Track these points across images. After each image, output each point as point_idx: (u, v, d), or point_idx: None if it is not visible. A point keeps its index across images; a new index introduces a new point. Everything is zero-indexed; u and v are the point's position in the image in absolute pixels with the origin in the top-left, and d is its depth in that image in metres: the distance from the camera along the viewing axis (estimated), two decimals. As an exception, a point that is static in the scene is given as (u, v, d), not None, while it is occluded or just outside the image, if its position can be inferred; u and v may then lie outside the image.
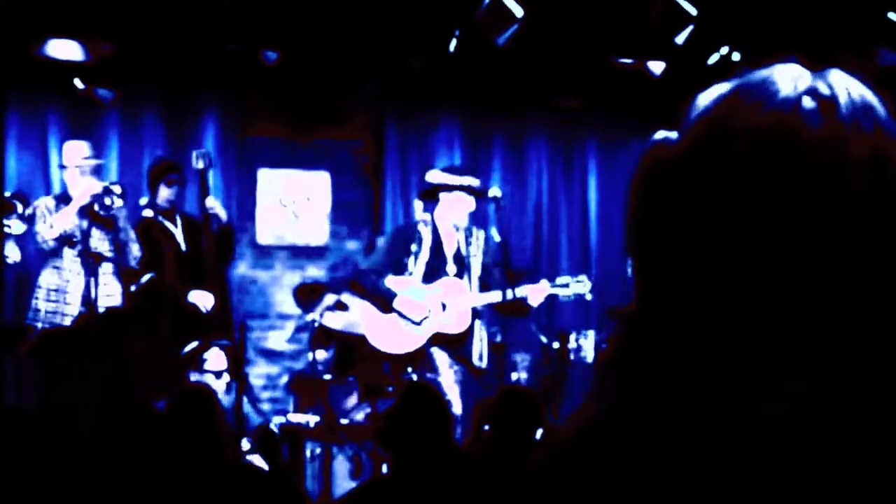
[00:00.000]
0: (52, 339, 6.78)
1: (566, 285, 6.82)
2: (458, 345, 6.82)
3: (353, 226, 9.01)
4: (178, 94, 8.45)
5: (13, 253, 7.02)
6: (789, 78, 0.95)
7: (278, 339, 8.78)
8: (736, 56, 7.21)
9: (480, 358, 6.85)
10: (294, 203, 8.83)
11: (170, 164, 7.61)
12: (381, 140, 9.02)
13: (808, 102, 0.92)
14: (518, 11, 6.52)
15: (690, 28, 6.65)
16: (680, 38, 6.68)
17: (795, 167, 0.90)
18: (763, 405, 0.87)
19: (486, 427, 5.96)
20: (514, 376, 7.68)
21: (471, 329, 6.84)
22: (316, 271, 8.87)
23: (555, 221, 9.29)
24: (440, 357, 6.79)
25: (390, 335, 6.85)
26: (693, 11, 6.61)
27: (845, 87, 0.94)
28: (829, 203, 0.90)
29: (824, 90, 0.93)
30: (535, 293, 6.74)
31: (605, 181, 9.29)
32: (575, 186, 9.37)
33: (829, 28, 6.69)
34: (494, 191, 7.25)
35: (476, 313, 6.87)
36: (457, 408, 6.53)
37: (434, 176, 7.06)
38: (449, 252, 6.90)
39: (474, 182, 6.98)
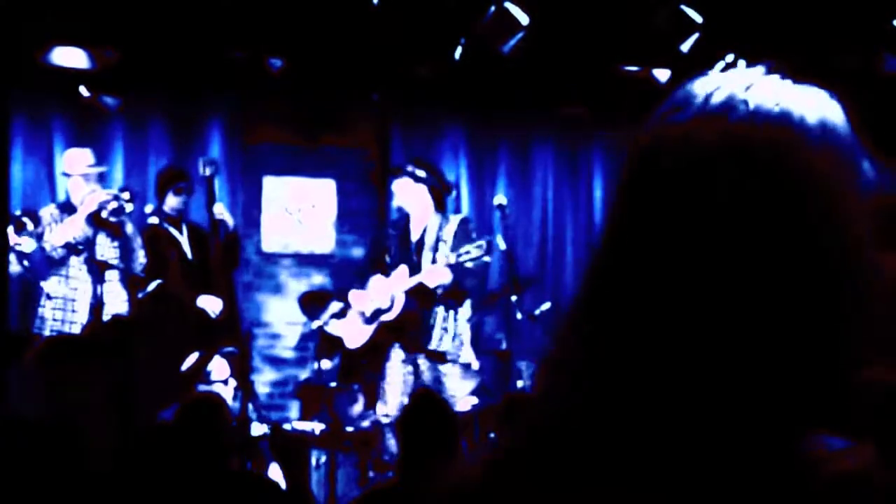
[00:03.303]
0: (58, 346, 6.78)
1: (468, 252, 6.73)
2: (408, 332, 6.86)
3: (359, 233, 9.00)
4: (183, 102, 8.46)
5: (15, 266, 7.01)
6: (762, 93, 0.94)
7: (284, 347, 8.77)
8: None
9: (441, 341, 6.85)
10: (299, 210, 8.83)
11: (179, 173, 7.62)
12: (387, 147, 9.02)
13: (799, 119, 0.91)
14: (523, 19, 6.53)
15: (696, 36, 6.66)
16: (685, 46, 6.69)
17: (791, 184, 0.89)
18: (697, 416, 0.87)
19: (492, 434, 5.97)
20: (519, 384, 7.67)
21: (427, 314, 6.85)
22: (321, 279, 8.87)
23: (560, 229, 9.28)
24: (395, 352, 6.90)
25: (350, 329, 7.12)
26: (698, 19, 6.61)
27: (817, 104, 0.93)
28: (822, 221, 0.89)
29: (797, 108, 0.92)
30: (433, 276, 6.76)
31: (611, 189, 9.26)
32: (580, 194, 9.36)
33: (833, 35, 6.69)
34: (500, 198, 7.24)
35: (434, 296, 6.84)
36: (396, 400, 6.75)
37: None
38: (415, 239, 6.98)
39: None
